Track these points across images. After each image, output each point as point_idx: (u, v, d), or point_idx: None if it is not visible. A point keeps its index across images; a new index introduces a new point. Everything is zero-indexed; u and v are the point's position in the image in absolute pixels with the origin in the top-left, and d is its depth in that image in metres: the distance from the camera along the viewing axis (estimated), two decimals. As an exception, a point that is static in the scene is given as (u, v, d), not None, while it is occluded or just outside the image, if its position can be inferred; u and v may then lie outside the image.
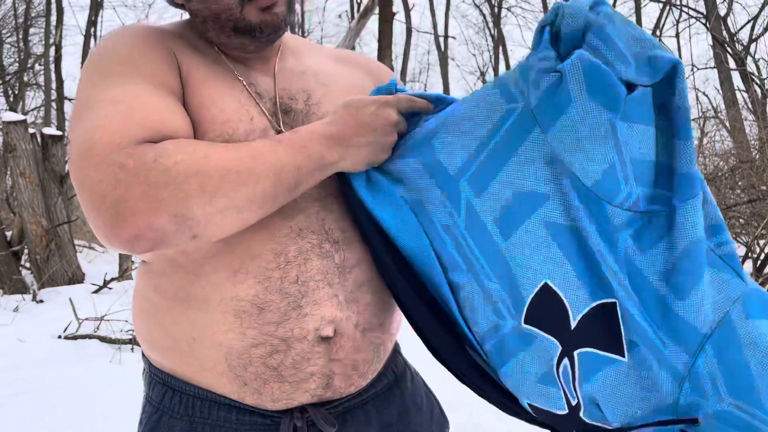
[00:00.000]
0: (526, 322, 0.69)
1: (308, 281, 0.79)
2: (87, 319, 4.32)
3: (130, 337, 4.02)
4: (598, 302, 0.66)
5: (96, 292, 5.59)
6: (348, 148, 0.78)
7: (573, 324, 0.67)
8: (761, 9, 11.49)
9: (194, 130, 0.78)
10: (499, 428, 2.49)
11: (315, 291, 0.79)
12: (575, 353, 0.68)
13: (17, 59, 16.49)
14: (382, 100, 0.81)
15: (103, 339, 4.02)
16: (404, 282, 0.80)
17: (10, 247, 5.97)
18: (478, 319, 0.75)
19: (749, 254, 4.30)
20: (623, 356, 0.66)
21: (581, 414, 0.70)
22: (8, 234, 6.24)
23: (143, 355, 0.91)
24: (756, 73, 10.82)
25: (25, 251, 6.21)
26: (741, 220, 5.26)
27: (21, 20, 16.09)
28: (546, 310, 0.68)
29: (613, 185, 0.66)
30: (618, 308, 0.66)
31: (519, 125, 0.70)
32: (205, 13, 0.83)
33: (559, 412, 0.71)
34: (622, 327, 0.66)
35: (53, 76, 14.90)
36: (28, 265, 6.26)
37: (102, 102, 0.72)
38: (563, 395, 0.70)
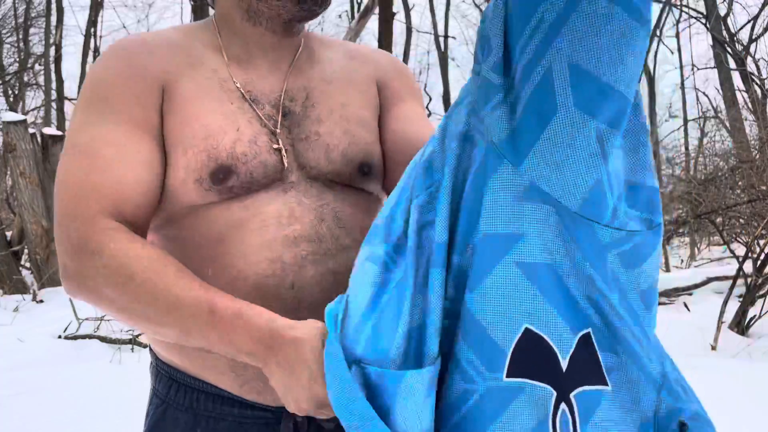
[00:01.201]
0: (509, 376, 0.62)
1: (303, 287, 0.80)
2: (87, 319, 4.33)
3: (130, 337, 4.03)
4: (580, 334, 0.62)
5: (96, 292, 5.59)
6: (268, 363, 0.72)
7: (564, 365, 0.62)
8: (761, 9, 11.49)
9: (175, 148, 0.80)
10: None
11: (310, 297, 0.80)
12: (572, 396, 0.62)
13: (17, 59, 16.51)
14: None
15: (103, 339, 4.03)
16: None
17: (10, 247, 5.97)
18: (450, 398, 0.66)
19: (749, 254, 4.29)
20: (606, 384, 0.63)
21: None
22: (8, 234, 6.25)
23: (150, 348, 0.93)
24: (756, 73, 10.82)
25: (25, 251, 6.21)
26: (741, 220, 5.26)
27: (21, 20, 16.10)
28: (532, 356, 0.62)
29: (601, 202, 0.61)
30: (592, 336, 0.62)
31: (474, 181, 0.64)
32: None
33: None
34: (599, 354, 0.63)
35: (53, 76, 14.89)
36: (28, 265, 6.26)
37: (75, 147, 0.80)
38: None
